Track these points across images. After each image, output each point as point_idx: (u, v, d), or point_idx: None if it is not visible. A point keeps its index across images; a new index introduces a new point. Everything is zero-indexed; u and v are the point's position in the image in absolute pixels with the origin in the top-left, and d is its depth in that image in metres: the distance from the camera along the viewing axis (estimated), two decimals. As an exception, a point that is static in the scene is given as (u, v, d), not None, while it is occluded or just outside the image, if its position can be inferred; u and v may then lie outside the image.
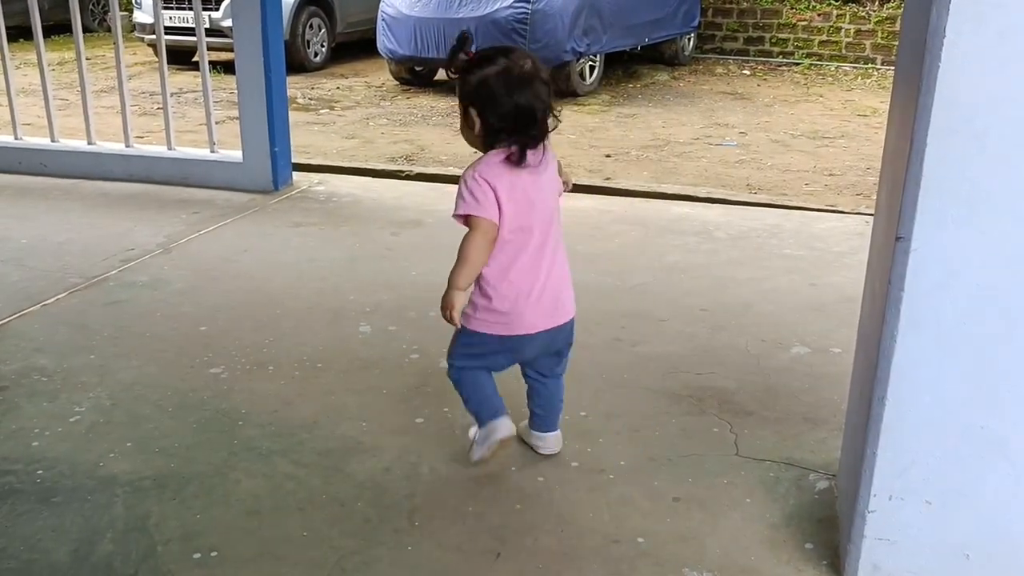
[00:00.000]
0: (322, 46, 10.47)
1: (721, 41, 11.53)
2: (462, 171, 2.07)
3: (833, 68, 10.67)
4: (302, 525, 2.08)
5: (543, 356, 2.24)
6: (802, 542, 2.03)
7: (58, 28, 9.29)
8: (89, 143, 5.13)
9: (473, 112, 2.01)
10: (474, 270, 2.05)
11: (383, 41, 8.91)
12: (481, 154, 2.07)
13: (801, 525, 2.09)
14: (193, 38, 5.72)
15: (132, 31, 10.52)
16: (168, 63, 5.27)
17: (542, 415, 2.34)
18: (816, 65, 10.83)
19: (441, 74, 9.20)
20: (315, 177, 5.16)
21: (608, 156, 6.35)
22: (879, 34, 10.79)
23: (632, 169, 5.95)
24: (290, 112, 5.05)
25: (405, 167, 5.68)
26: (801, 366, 2.89)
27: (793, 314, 3.29)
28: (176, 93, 8.13)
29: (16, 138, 5.21)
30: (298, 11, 9.93)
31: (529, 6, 8.18)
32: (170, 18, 9.54)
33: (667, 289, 3.53)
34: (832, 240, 4.15)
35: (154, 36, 6.01)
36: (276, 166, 4.81)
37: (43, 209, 4.53)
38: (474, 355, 2.19)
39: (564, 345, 2.26)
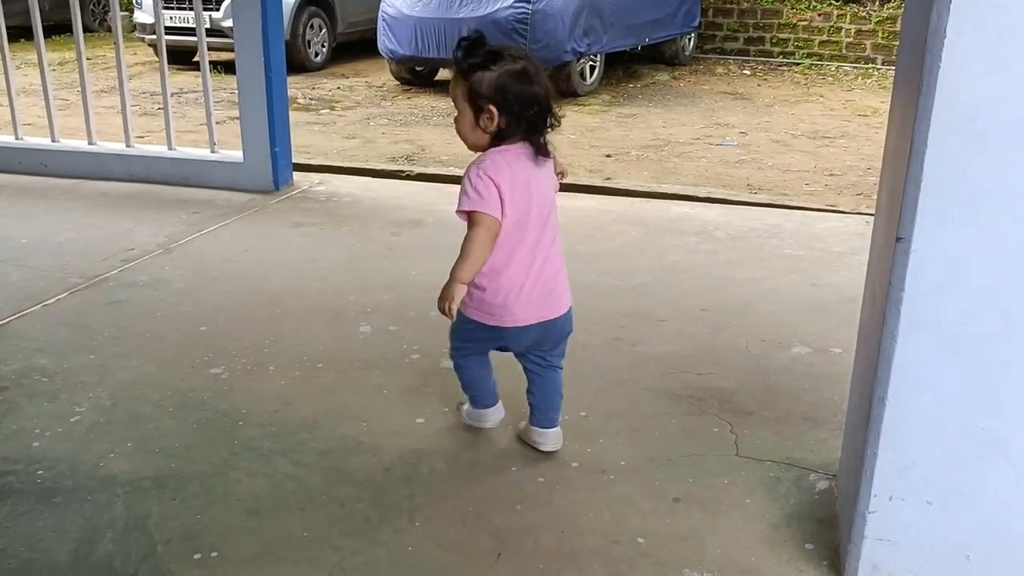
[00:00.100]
0: (323, 46, 10.47)
1: (721, 41, 11.53)
2: (464, 169, 2.10)
3: (834, 68, 10.66)
4: (302, 525, 2.08)
5: (538, 345, 2.29)
6: (802, 542, 2.03)
7: (59, 28, 9.29)
8: (89, 143, 5.14)
9: (493, 109, 2.03)
10: (477, 265, 2.08)
11: (384, 41, 8.91)
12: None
13: (801, 525, 2.09)
14: (193, 38, 5.73)
15: (133, 31, 10.53)
16: (168, 63, 5.28)
17: (541, 408, 2.36)
18: (816, 65, 10.83)
19: (442, 74, 9.20)
20: (316, 177, 5.16)
21: (608, 156, 6.35)
22: (880, 34, 10.79)
23: (632, 169, 5.95)
24: (291, 112, 5.06)
25: (406, 167, 5.68)
26: (801, 366, 2.89)
27: (793, 314, 3.29)
28: (176, 93, 8.13)
29: (17, 138, 5.21)
30: (299, 11, 9.93)
31: (529, 6, 8.18)
32: (171, 18, 9.53)
33: (667, 289, 3.53)
34: (832, 240, 4.15)
35: (155, 36, 6.00)
36: (276, 166, 4.81)
37: (43, 209, 4.53)
38: (469, 340, 2.30)
39: (559, 336, 2.29)
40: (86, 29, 6.51)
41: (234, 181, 4.85)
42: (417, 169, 5.57)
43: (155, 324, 3.17)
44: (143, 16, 10.02)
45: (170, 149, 5.05)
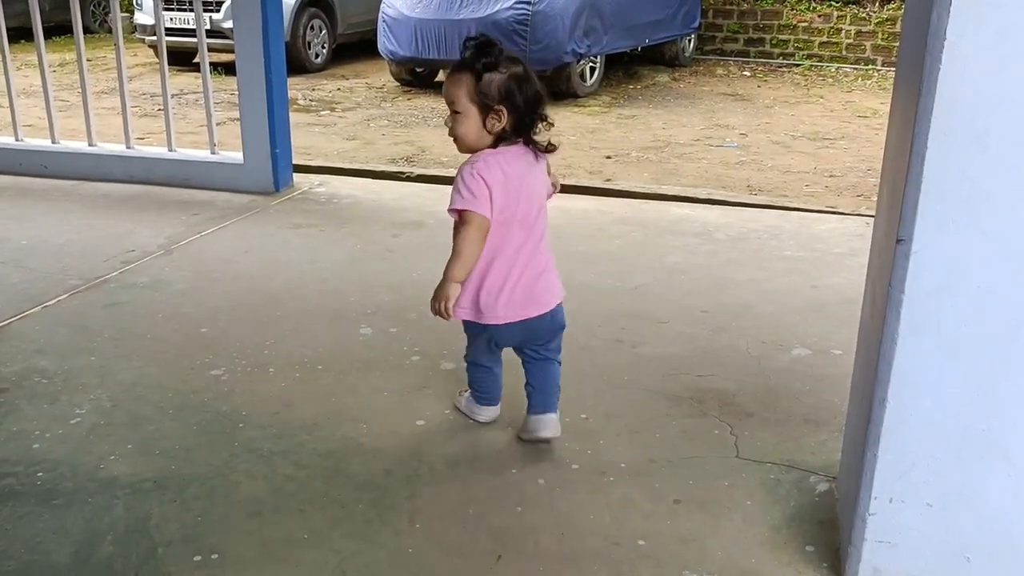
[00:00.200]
0: (323, 47, 10.47)
1: (721, 42, 11.53)
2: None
3: (833, 69, 10.67)
4: (303, 527, 2.08)
5: (528, 342, 2.34)
6: (803, 544, 2.03)
7: (59, 29, 9.30)
8: (90, 144, 5.13)
9: (503, 110, 2.08)
10: (470, 263, 2.14)
11: (384, 42, 8.91)
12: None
13: (802, 527, 2.09)
14: (194, 39, 5.73)
15: (133, 32, 10.53)
16: (169, 64, 5.28)
17: (538, 394, 2.38)
18: (816, 66, 10.83)
19: (442, 75, 9.19)
20: (316, 178, 5.16)
21: (608, 157, 6.35)
22: (879, 35, 10.79)
23: (632, 170, 5.95)
24: (291, 113, 5.05)
25: (406, 168, 5.68)
26: (802, 368, 2.89)
27: (793, 316, 3.29)
28: (177, 94, 8.13)
29: (17, 139, 5.21)
30: (299, 12, 9.94)
31: (530, 7, 8.18)
32: (171, 19, 9.53)
33: (667, 290, 3.53)
34: (832, 241, 4.15)
35: (155, 37, 6.01)
36: (277, 167, 4.81)
37: (43, 210, 4.53)
38: (471, 339, 2.38)
39: (549, 333, 2.33)
40: (86, 30, 6.52)
41: (234, 182, 4.85)
42: (417, 170, 5.57)
43: (155, 325, 3.17)
44: (143, 17, 10.03)
45: (170, 150, 5.05)
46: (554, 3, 8.20)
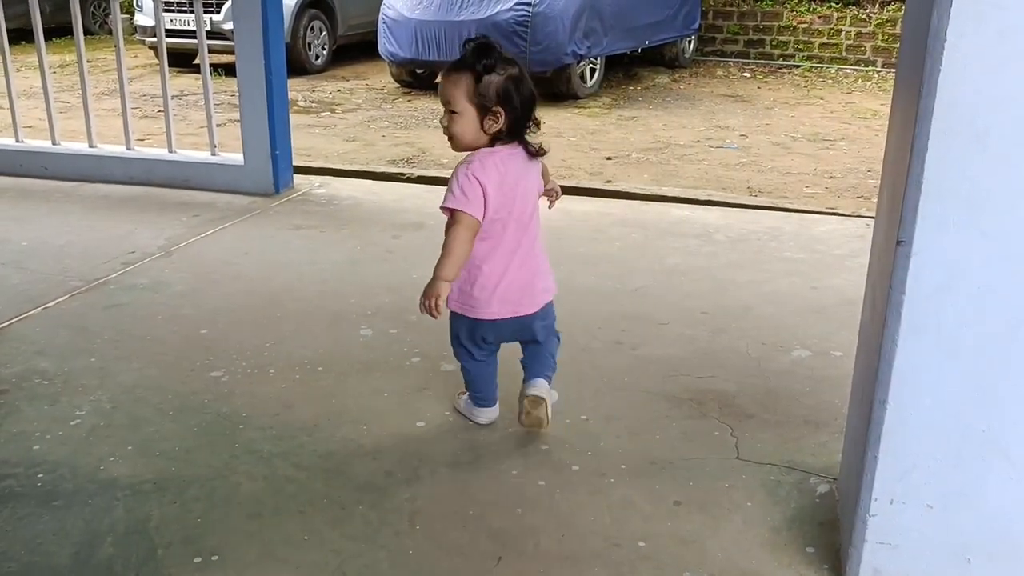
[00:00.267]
0: (323, 48, 10.48)
1: (722, 44, 11.53)
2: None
3: (833, 71, 10.67)
4: (303, 528, 2.08)
5: (518, 337, 2.38)
6: (803, 546, 2.03)
7: (59, 30, 9.30)
8: (90, 146, 5.14)
9: (500, 111, 2.11)
10: (460, 262, 2.18)
11: (384, 43, 8.91)
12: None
13: (802, 529, 2.08)
14: (194, 40, 5.74)
15: (133, 34, 10.54)
16: (169, 66, 5.28)
17: (533, 362, 2.43)
18: (816, 68, 10.84)
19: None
20: (316, 180, 5.17)
21: (609, 159, 6.35)
22: (879, 37, 10.80)
23: (633, 172, 5.95)
24: (291, 115, 5.06)
25: (406, 170, 5.69)
26: (802, 369, 2.89)
27: (794, 317, 3.29)
28: (177, 96, 8.14)
29: (17, 141, 5.21)
30: (299, 13, 9.94)
31: (530, 9, 8.18)
32: (171, 21, 9.53)
33: (667, 292, 3.53)
34: (833, 243, 4.15)
35: (155, 39, 6.01)
36: (277, 169, 4.81)
37: (44, 212, 4.53)
38: (458, 334, 2.38)
39: (540, 328, 2.37)
40: (86, 32, 6.52)
41: (235, 184, 4.85)
42: (417, 172, 5.57)
43: (155, 327, 3.17)
44: (144, 19, 10.03)
45: (171, 152, 5.05)
46: (554, 4, 8.21)
